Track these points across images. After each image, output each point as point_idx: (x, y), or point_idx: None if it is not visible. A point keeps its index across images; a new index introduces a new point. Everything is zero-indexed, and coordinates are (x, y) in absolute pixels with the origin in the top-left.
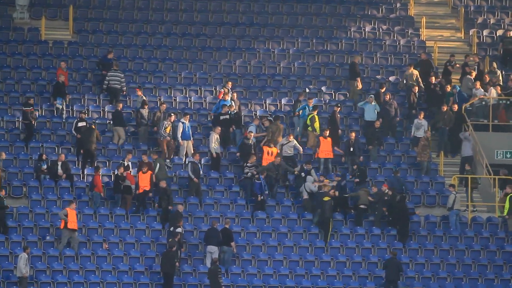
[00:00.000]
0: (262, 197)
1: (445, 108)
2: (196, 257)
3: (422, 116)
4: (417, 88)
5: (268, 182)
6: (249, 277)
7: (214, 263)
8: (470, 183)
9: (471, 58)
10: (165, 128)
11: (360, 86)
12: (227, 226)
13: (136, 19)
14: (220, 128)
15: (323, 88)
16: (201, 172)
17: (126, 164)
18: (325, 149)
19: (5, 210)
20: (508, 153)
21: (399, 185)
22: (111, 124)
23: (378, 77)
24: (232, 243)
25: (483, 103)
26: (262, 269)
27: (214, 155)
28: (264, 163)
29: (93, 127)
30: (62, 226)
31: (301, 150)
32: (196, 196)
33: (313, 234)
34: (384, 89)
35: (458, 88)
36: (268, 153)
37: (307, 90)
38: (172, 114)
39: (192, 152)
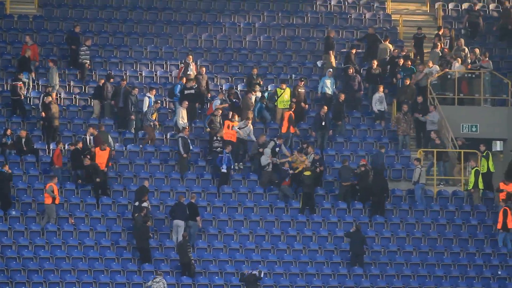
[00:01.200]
0: (225, 170)
1: (407, 81)
2: (163, 231)
3: (381, 89)
4: (375, 62)
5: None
6: (215, 252)
7: (184, 237)
8: (444, 157)
9: (443, 31)
10: (152, 114)
11: (333, 59)
12: (193, 200)
13: None
14: (187, 103)
15: (289, 62)
16: (190, 147)
17: (88, 139)
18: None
19: (9, 183)
20: (474, 126)
21: (381, 160)
22: (77, 99)
23: (344, 50)
24: (198, 218)
25: (449, 76)
26: (228, 243)
27: (181, 129)
28: (225, 136)
29: (53, 101)
30: (49, 201)
31: (254, 139)
32: (179, 172)
33: (279, 208)
34: (355, 51)
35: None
36: (228, 126)
37: (293, 77)
38: (136, 88)
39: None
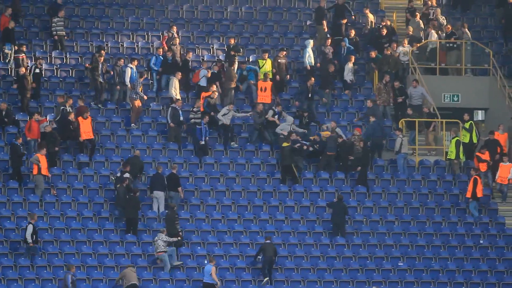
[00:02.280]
0: (203, 142)
1: (388, 51)
2: (145, 202)
3: (353, 59)
4: (353, 31)
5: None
6: (198, 222)
7: (171, 208)
8: (430, 127)
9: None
10: (139, 87)
11: (326, 29)
12: (174, 171)
13: None
14: (180, 74)
15: (270, 33)
16: (181, 118)
17: (68, 110)
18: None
19: (21, 158)
20: (455, 96)
21: (380, 131)
22: (58, 70)
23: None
24: (179, 188)
25: (430, 46)
26: (210, 214)
27: (174, 100)
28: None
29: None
30: (36, 172)
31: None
32: (176, 142)
33: (261, 179)
34: (346, 20)
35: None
36: (203, 97)
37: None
38: (121, 59)
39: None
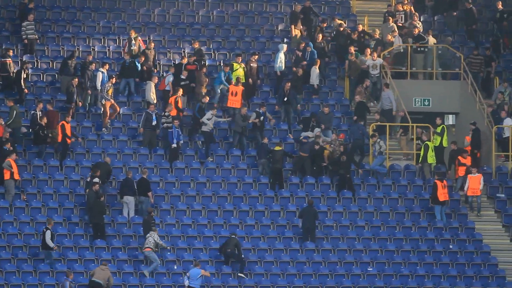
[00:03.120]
0: (175, 145)
1: (352, 57)
2: (115, 207)
3: (318, 64)
4: (320, 36)
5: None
6: (168, 227)
7: (148, 213)
8: (400, 133)
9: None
10: (107, 90)
11: (298, 33)
12: (144, 176)
13: None
14: (157, 78)
15: (242, 37)
16: (154, 123)
17: (38, 114)
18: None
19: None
20: (426, 100)
21: (359, 134)
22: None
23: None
24: (149, 193)
25: (402, 50)
26: (180, 219)
27: (152, 104)
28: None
29: None
30: (8, 177)
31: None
32: (146, 146)
33: (232, 183)
34: (326, 24)
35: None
36: (171, 102)
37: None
38: (93, 63)
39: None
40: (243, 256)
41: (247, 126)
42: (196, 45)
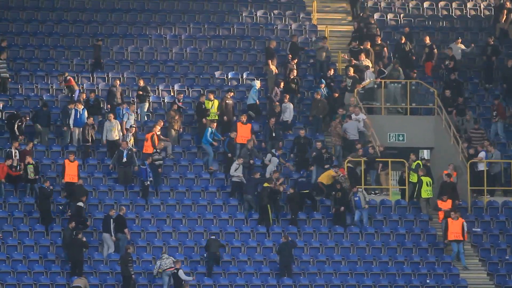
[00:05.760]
0: (147, 183)
1: (318, 96)
2: (91, 244)
3: (287, 99)
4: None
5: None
6: (144, 264)
7: (126, 250)
8: (376, 166)
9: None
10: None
11: (274, 68)
12: (121, 213)
13: (27, 6)
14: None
15: (216, 74)
16: (124, 160)
17: (13, 153)
18: (242, 134)
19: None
20: (400, 135)
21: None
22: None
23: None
24: (126, 230)
25: (375, 86)
26: (157, 255)
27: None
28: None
29: None
30: None
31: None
32: (122, 184)
33: (208, 220)
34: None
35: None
36: (147, 139)
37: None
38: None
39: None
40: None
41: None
42: (141, 83)
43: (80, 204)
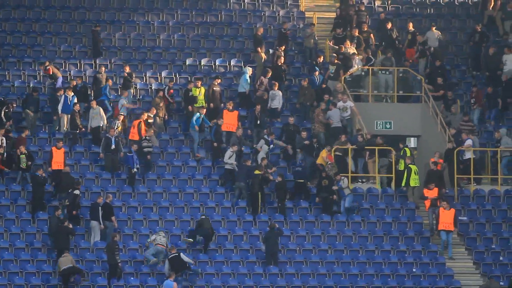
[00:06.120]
0: (134, 171)
1: (305, 83)
2: (78, 232)
3: (276, 87)
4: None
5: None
6: (131, 252)
7: (112, 238)
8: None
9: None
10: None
11: (263, 56)
12: (108, 201)
13: None
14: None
15: (203, 61)
16: (112, 147)
17: (0, 139)
18: (228, 122)
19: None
20: (388, 123)
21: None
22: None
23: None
24: (113, 218)
25: (363, 73)
26: (143, 243)
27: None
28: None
29: None
30: None
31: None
32: (109, 171)
33: (195, 208)
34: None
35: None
36: (133, 126)
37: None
38: (62, 89)
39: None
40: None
41: None
42: (127, 69)
43: (77, 192)
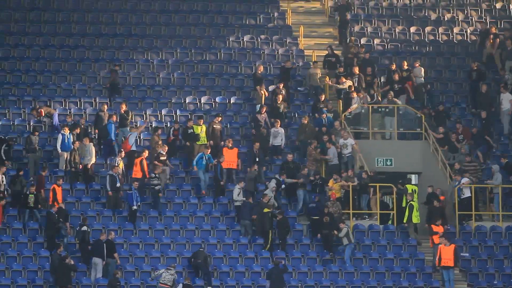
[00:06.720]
0: (135, 207)
1: (305, 120)
2: (79, 269)
3: (279, 124)
4: (280, 97)
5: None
6: None
7: (114, 275)
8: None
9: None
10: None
11: (263, 94)
12: (110, 237)
13: (13, 32)
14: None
15: (203, 99)
16: (117, 185)
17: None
18: (229, 159)
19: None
20: (388, 160)
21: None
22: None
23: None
24: (115, 254)
25: (362, 111)
26: (145, 280)
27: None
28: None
29: None
30: None
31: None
32: (112, 208)
33: (196, 244)
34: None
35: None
36: (136, 164)
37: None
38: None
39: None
40: (210, 269)
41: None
42: (124, 107)
43: (84, 228)
